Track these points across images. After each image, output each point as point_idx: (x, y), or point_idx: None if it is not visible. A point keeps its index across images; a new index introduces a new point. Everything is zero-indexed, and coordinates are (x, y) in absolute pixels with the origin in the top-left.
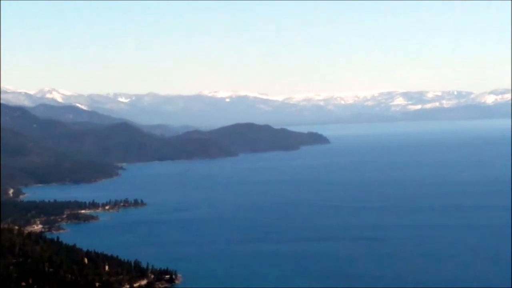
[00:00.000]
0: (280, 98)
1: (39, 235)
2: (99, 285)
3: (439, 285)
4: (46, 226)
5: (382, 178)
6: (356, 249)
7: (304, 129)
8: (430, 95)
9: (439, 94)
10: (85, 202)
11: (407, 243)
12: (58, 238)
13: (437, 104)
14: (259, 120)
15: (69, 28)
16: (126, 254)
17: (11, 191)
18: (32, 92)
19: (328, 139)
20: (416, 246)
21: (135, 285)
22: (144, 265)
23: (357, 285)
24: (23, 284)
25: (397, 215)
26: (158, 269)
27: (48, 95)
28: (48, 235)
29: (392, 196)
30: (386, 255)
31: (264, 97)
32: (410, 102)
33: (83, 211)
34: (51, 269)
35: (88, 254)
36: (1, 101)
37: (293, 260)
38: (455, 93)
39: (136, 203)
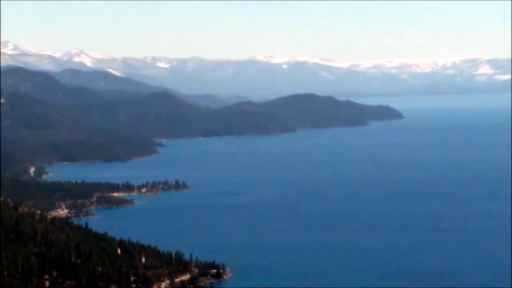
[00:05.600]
0: (345, 65)
1: (65, 221)
2: (134, 280)
3: None
4: (73, 211)
5: (461, 160)
6: (428, 241)
7: (373, 101)
8: None
9: None
10: (118, 184)
11: (487, 235)
12: (86, 224)
13: None
14: (321, 90)
15: None
16: (166, 244)
17: (32, 169)
18: (57, 55)
19: (401, 114)
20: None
21: (177, 280)
22: (187, 257)
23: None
24: (46, 276)
25: (475, 202)
26: (203, 262)
27: (76, 59)
28: (75, 221)
29: (471, 181)
30: (464, 248)
31: (327, 63)
32: (497, 71)
33: (115, 194)
34: (78, 260)
35: (121, 243)
36: (22, 65)
37: (359, 253)
38: None
39: (177, 185)
